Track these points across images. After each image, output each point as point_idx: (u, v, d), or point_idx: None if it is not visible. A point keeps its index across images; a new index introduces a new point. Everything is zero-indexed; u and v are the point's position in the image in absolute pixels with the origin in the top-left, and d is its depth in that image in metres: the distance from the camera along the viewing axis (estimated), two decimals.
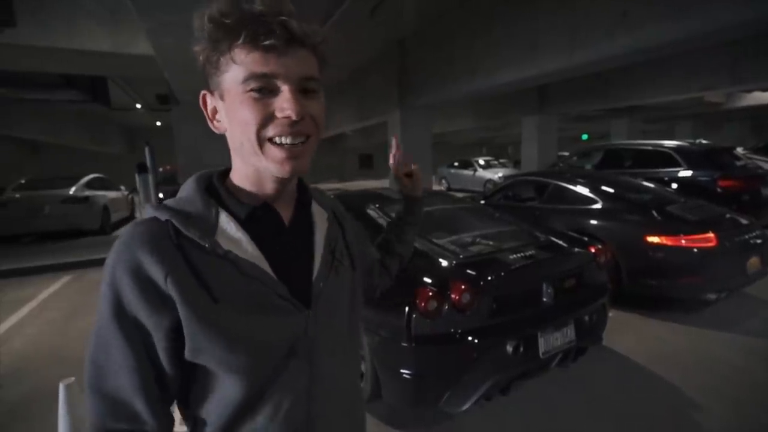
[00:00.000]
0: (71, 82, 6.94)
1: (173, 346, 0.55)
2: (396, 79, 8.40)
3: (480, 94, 7.84)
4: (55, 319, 3.94)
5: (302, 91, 0.56)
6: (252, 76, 0.53)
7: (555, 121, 11.47)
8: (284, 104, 0.53)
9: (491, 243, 2.36)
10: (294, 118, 0.53)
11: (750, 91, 12.02)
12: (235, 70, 0.53)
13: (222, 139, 0.64)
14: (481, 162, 14.67)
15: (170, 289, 0.53)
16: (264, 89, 0.53)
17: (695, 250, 3.16)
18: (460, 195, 5.41)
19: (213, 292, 0.55)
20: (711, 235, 3.16)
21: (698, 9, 3.56)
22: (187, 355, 0.55)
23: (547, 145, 11.22)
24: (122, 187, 10.00)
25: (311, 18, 0.55)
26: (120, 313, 0.54)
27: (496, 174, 13.23)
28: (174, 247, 0.55)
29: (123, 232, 0.58)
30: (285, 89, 0.54)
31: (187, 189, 0.63)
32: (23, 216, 7.26)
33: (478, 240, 2.41)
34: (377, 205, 2.71)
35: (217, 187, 0.63)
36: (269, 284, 0.59)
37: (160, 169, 9.25)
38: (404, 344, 1.88)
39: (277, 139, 0.55)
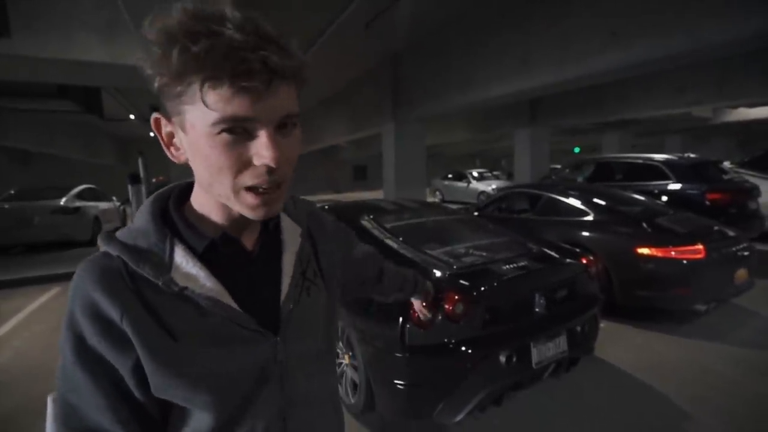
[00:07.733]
0: (65, 93, 6.91)
1: (143, 382, 0.53)
2: (390, 91, 8.50)
3: (473, 107, 7.95)
4: (43, 332, 3.86)
5: (279, 126, 0.50)
6: (224, 120, 0.46)
7: (547, 133, 11.62)
8: (263, 151, 0.48)
9: (484, 254, 2.38)
10: (273, 165, 0.48)
11: (736, 107, 12.32)
12: (204, 110, 0.46)
13: None
14: (475, 174, 14.80)
15: (127, 330, 0.51)
16: (238, 131, 0.47)
17: (684, 261, 3.20)
18: (454, 207, 5.45)
19: (172, 330, 0.53)
20: (700, 246, 3.21)
21: (685, 28, 3.68)
22: (153, 391, 0.54)
23: (539, 158, 11.34)
24: (114, 198, 9.91)
25: (296, 38, 0.50)
26: (83, 354, 0.52)
27: (490, 186, 13.35)
28: (127, 285, 0.52)
29: (78, 268, 0.55)
30: (262, 133, 0.48)
31: (142, 217, 0.58)
32: (12, 227, 7.15)
33: (471, 251, 2.43)
34: (371, 216, 2.72)
35: (173, 216, 0.58)
36: (233, 317, 0.56)
37: (153, 180, 9.18)
38: (398, 354, 1.88)
39: (254, 188, 0.51)
